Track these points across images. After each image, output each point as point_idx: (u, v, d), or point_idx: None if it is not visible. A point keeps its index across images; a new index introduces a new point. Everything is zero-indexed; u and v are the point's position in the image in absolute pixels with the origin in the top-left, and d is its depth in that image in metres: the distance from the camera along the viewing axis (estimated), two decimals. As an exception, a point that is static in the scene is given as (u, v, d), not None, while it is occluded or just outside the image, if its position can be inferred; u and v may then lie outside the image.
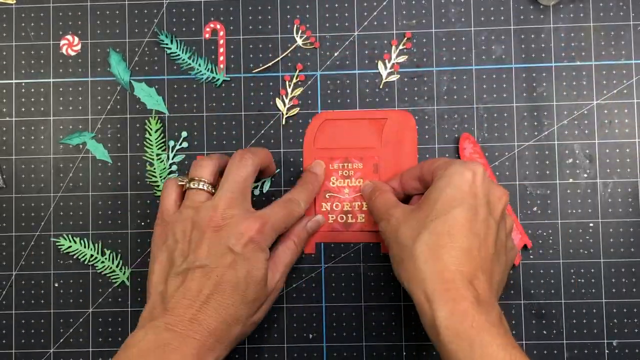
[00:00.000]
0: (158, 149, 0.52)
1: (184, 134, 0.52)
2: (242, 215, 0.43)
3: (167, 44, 0.53)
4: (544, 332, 0.50)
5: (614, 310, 0.50)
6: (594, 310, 0.50)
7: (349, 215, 0.51)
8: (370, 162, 0.51)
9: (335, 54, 0.52)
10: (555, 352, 0.50)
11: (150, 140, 0.52)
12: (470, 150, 0.51)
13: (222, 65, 0.53)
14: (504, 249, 0.43)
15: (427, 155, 0.51)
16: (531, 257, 0.51)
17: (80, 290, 0.52)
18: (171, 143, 0.52)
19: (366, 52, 0.52)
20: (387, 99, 0.52)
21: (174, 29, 0.53)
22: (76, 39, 0.53)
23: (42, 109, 0.53)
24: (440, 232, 0.40)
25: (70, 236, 0.52)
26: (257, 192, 0.52)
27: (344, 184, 0.51)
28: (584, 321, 0.50)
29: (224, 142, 0.52)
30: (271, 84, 0.52)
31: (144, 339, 0.40)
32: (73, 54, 0.53)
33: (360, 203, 0.51)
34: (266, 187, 0.52)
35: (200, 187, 0.45)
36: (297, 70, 0.52)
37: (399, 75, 0.52)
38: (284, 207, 0.46)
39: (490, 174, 0.51)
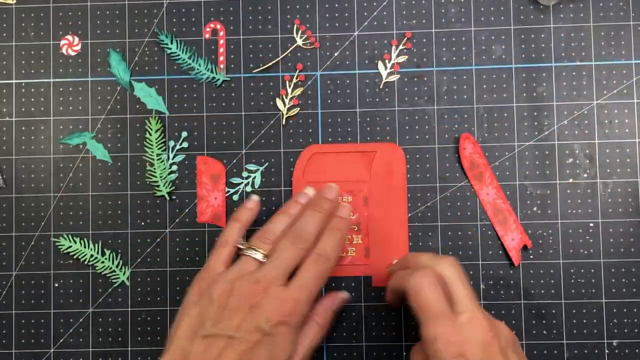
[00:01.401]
0: (158, 149, 0.52)
1: (184, 134, 0.52)
2: (278, 293, 0.43)
3: (167, 44, 0.53)
4: (544, 332, 0.50)
5: (614, 310, 0.50)
6: (594, 310, 0.50)
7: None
8: (360, 195, 0.51)
9: (335, 54, 0.52)
10: (555, 352, 0.50)
11: (150, 140, 0.52)
12: (470, 150, 0.51)
13: (222, 65, 0.53)
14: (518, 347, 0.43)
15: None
16: (531, 257, 0.51)
17: (80, 290, 0.52)
18: (171, 143, 0.52)
19: (366, 52, 0.52)
20: (387, 99, 0.52)
21: (174, 29, 0.53)
22: (76, 39, 0.53)
23: (42, 109, 0.53)
24: None
25: (70, 236, 0.52)
26: (248, 188, 0.52)
27: None
28: (584, 321, 0.50)
29: (224, 142, 0.52)
30: (271, 84, 0.52)
31: None
32: (73, 54, 0.53)
33: (350, 236, 0.51)
34: (257, 183, 0.52)
35: (256, 256, 0.45)
36: (297, 70, 0.52)
37: (399, 75, 0.52)
38: (315, 270, 0.44)
39: (491, 174, 0.51)
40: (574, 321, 0.50)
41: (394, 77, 0.52)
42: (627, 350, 0.50)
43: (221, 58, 0.53)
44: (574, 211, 0.51)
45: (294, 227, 0.46)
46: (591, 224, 0.51)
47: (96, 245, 0.52)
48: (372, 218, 0.51)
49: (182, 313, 0.44)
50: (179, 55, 0.53)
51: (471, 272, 0.51)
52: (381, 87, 0.52)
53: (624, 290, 0.50)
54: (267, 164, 0.52)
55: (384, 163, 0.51)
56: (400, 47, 0.52)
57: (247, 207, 0.49)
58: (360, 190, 0.51)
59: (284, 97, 0.52)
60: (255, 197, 0.50)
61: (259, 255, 0.45)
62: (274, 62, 0.52)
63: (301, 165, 0.51)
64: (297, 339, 0.44)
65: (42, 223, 0.52)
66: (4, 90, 0.53)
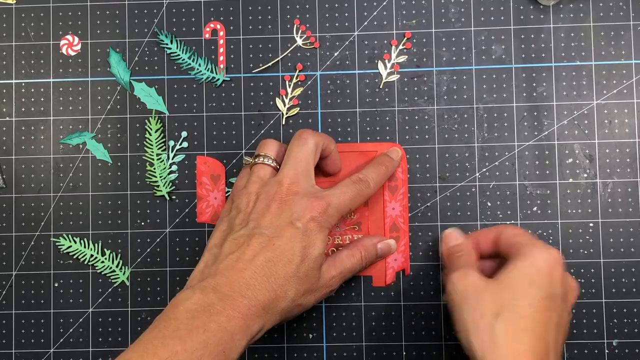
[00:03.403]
0: (158, 149, 0.52)
1: (184, 134, 0.52)
2: (306, 193, 0.43)
3: (167, 44, 0.53)
4: (544, 332, 0.50)
5: (614, 310, 0.50)
6: (594, 310, 0.50)
7: (340, 248, 0.49)
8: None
9: (335, 54, 0.52)
10: (555, 352, 0.50)
11: (150, 140, 0.52)
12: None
13: (222, 65, 0.53)
14: (566, 333, 0.44)
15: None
16: (531, 257, 0.51)
17: (80, 290, 0.52)
18: (171, 143, 0.52)
19: (366, 52, 0.52)
20: (387, 99, 0.52)
21: (174, 29, 0.53)
22: (76, 38, 0.53)
23: (42, 109, 0.53)
24: (523, 315, 0.41)
25: (70, 236, 0.52)
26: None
27: None
28: (584, 321, 0.50)
29: (224, 142, 0.52)
30: (271, 84, 0.52)
31: (190, 299, 0.39)
32: (73, 54, 0.53)
33: (350, 236, 0.51)
34: None
35: (265, 162, 0.46)
36: (297, 70, 0.52)
37: (399, 75, 0.52)
38: (352, 188, 0.45)
39: (405, 193, 0.51)
40: (574, 321, 0.50)
41: (394, 77, 0.52)
42: (627, 350, 0.50)
43: (221, 58, 0.53)
44: (574, 211, 0.51)
45: (357, 173, 0.47)
46: (591, 224, 0.51)
47: (96, 245, 0.52)
48: (373, 218, 0.51)
49: (214, 230, 0.45)
50: (179, 55, 0.53)
51: (471, 272, 0.51)
52: (381, 87, 0.52)
53: (624, 290, 0.50)
54: (267, 164, 0.52)
55: None
56: (400, 47, 0.52)
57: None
58: None
59: (284, 97, 0.52)
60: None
61: (267, 160, 0.46)
62: (274, 62, 0.52)
63: None
64: (327, 241, 0.44)
65: (42, 223, 0.52)
66: (4, 90, 0.53)
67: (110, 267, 0.52)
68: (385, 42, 0.52)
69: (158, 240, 0.52)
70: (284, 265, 0.41)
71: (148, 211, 0.52)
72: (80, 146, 0.53)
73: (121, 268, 0.52)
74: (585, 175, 0.51)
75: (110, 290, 0.52)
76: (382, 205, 0.50)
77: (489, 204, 0.51)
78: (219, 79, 0.52)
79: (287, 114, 0.52)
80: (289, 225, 0.42)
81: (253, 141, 0.52)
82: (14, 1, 0.54)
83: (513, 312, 0.41)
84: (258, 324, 0.40)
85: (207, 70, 0.52)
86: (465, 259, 0.46)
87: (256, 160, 0.46)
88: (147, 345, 0.37)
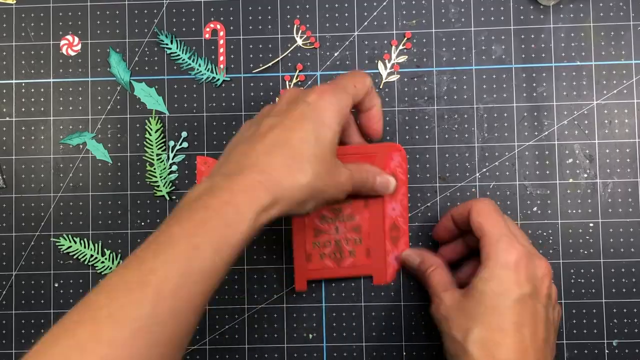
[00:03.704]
0: (158, 149, 0.52)
1: (184, 134, 0.52)
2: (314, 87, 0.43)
3: (167, 44, 0.53)
4: (544, 332, 0.50)
5: (614, 310, 0.50)
6: (594, 310, 0.50)
7: (340, 251, 0.50)
8: (361, 197, 0.49)
9: (335, 54, 0.52)
10: (556, 352, 0.50)
11: (150, 140, 0.52)
12: (396, 163, 0.50)
13: (222, 65, 0.53)
14: (553, 326, 0.44)
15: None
16: (531, 257, 0.51)
17: (80, 290, 0.52)
18: (171, 143, 0.52)
19: (366, 52, 0.52)
20: (387, 99, 0.52)
21: (174, 29, 0.53)
22: (76, 39, 0.53)
23: (42, 109, 0.53)
24: (492, 327, 0.40)
25: (70, 236, 0.52)
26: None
27: (334, 221, 0.49)
28: (584, 321, 0.50)
29: (224, 142, 0.52)
30: (271, 84, 0.52)
31: (197, 188, 0.38)
32: (73, 54, 0.53)
33: (350, 238, 0.50)
34: None
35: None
36: (297, 70, 0.52)
37: (399, 75, 0.52)
38: (351, 82, 0.44)
39: (405, 193, 0.50)
40: (574, 321, 0.50)
41: (394, 77, 0.52)
42: (627, 350, 0.50)
43: (221, 58, 0.53)
44: (574, 211, 0.51)
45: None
46: (591, 224, 0.51)
47: (96, 245, 0.52)
48: (373, 218, 0.50)
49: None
50: (179, 55, 0.53)
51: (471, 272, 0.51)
52: (381, 87, 0.52)
53: (624, 290, 0.50)
54: (267, 164, 0.52)
55: (384, 164, 0.50)
56: (400, 47, 0.52)
57: None
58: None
59: (284, 97, 0.52)
60: None
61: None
62: (274, 62, 0.52)
63: None
64: (339, 124, 0.42)
65: (42, 223, 0.52)
66: (4, 90, 0.53)
67: (110, 267, 0.52)
68: (385, 42, 0.52)
69: (158, 240, 0.52)
70: (297, 143, 0.39)
71: (148, 211, 0.52)
72: (81, 146, 0.53)
73: (121, 268, 0.52)
74: (585, 175, 0.51)
75: (110, 290, 0.52)
76: (382, 206, 0.50)
77: (489, 204, 0.51)
78: (219, 79, 0.52)
79: (287, 114, 0.52)
80: (301, 103, 0.41)
81: (253, 141, 0.52)
82: (14, 1, 0.54)
83: (480, 327, 0.40)
84: (270, 196, 0.37)
85: (207, 71, 0.52)
86: (438, 273, 0.46)
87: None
88: (150, 238, 0.36)
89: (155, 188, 0.52)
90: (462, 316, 0.42)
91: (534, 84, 0.51)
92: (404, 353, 0.51)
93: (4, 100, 0.53)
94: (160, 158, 0.52)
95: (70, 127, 0.53)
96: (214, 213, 0.36)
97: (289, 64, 0.52)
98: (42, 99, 0.53)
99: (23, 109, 0.53)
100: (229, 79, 0.53)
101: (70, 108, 0.53)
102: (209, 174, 0.42)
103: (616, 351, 0.50)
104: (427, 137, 0.52)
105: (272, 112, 0.42)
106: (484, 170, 0.51)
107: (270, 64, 0.52)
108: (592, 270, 0.50)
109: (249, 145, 0.39)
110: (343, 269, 0.50)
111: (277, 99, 0.46)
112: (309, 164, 0.39)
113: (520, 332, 0.40)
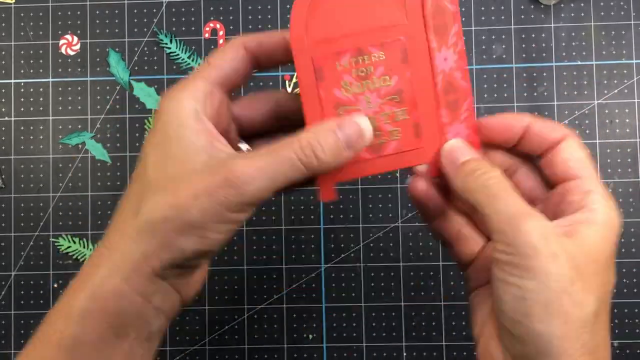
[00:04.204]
0: (157, 149, 0.52)
1: (184, 133, 0.52)
2: None
3: (166, 44, 0.52)
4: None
5: (614, 310, 0.50)
6: (595, 311, 0.50)
7: (376, 133, 0.34)
8: (396, 48, 0.33)
9: (335, 54, 0.52)
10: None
11: (150, 140, 0.52)
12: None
13: (221, 65, 0.52)
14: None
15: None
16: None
17: (80, 291, 0.52)
18: (171, 143, 0.52)
19: (366, 51, 0.52)
20: (387, 99, 0.52)
21: (174, 29, 0.53)
22: (75, 38, 0.53)
23: (41, 109, 0.53)
24: (606, 300, 0.29)
25: (69, 236, 0.52)
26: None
27: (362, 89, 0.33)
28: (585, 321, 0.50)
29: (224, 142, 0.52)
30: (271, 84, 0.52)
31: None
32: (72, 53, 0.53)
33: (389, 112, 0.34)
34: None
35: None
36: (297, 70, 0.52)
37: (399, 75, 0.52)
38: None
39: (460, 32, 0.34)
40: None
41: (394, 77, 0.51)
42: (627, 351, 0.50)
43: (221, 58, 0.53)
44: (574, 211, 0.51)
45: None
46: (592, 224, 0.51)
47: (96, 245, 0.52)
48: (418, 79, 0.33)
49: None
50: (178, 54, 0.52)
51: (471, 272, 0.51)
52: (381, 86, 0.52)
53: (624, 290, 0.50)
54: (267, 163, 0.52)
55: None
56: (401, 46, 0.52)
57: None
58: (395, 40, 0.33)
59: (283, 96, 0.52)
60: None
61: None
62: (273, 61, 0.52)
63: (300, 16, 0.34)
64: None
65: (41, 223, 0.52)
66: (3, 90, 0.53)
67: (110, 267, 0.52)
68: (386, 41, 0.52)
69: (158, 240, 0.52)
70: (152, 148, 0.31)
71: (148, 211, 0.52)
72: (80, 146, 0.53)
73: (121, 268, 0.52)
74: (586, 175, 0.51)
75: (109, 290, 0.52)
76: (427, 57, 0.33)
77: (490, 204, 0.51)
78: (218, 79, 0.52)
79: (287, 113, 0.52)
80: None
81: (253, 141, 0.52)
82: (13, 1, 0.53)
83: (601, 300, 0.28)
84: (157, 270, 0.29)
85: (207, 70, 0.52)
86: (500, 186, 0.30)
87: None
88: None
89: (155, 188, 0.52)
90: (571, 257, 0.28)
91: (535, 84, 0.51)
92: (404, 353, 0.51)
93: (3, 100, 0.53)
94: (160, 158, 0.52)
95: (70, 126, 0.53)
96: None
97: (289, 64, 0.52)
98: (41, 99, 0.53)
99: (22, 109, 0.53)
100: (228, 78, 0.52)
101: (70, 108, 0.53)
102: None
103: (617, 351, 0.50)
104: None
105: None
106: (485, 170, 0.51)
107: (270, 64, 0.52)
108: (593, 271, 0.50)
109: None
110: (385, 159, 0.34)
111: None
112: (179, 178, 0.29)
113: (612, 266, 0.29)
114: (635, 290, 0.50)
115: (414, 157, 0.34)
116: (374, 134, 0.33)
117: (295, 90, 0.52)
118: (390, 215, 0.51)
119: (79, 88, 0.53)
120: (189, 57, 0.52)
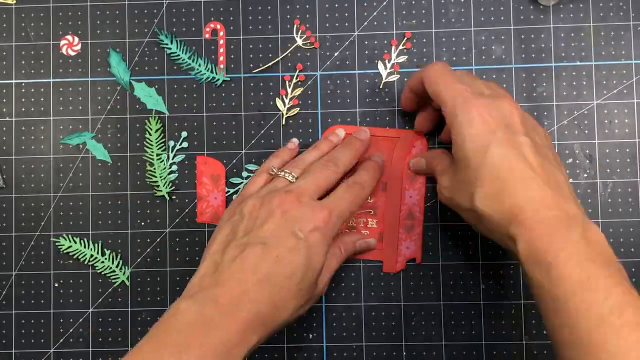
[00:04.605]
0: (158, 149, 0.52)
1: (184, 134, 0.52)
2: (310, 203, 0.43)
3: (167, 44, 0.53)
4: (545, 331, 0.50)
5: (614, 310, 0.50)
6: (594, 310, 0.50)
7: (353, 231, 0.51)
8: (379, 180, 0.50)
9: (335, 54, 0.52)
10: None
11: (150, 140, 0.52)
12: (418, 151, 0.51)
13: (222, 65, 0.53)
14: (545, 147, 0.42)
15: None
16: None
17: (80, 290, 0.52)
18: (171, 143, 0.52)
19: (366, 52, 0.52)
20: (387, 99, 0.52)
21: (174, 29, 0.53)
22: (76, 39, 0.53)
23: (42, 109, 0.53)
24: (489, 182, 0.39)
25: (70, 236, 0.52)
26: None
27: None
28: (584, 321, 0.50)
29: (224, 142, 0.52)
30: (271, 84, 0.52)
31: (188, 310, 0.39)
32: (73, 54, 0.53)
33: (365, 220, 0.51)
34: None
35: (287, 177, 0.45)
36: (297, 70, 0.52)
37: (399, 75, 0.52)
38: (349, 192, 0.45)
39: (424, 181, 0.50)
40: (574, 321, 0.50)
41: (394, 77, 0.52)
42: (627, 350, 0.50)
43: (221, 58, 0.53)
44: (574, 211, 0.51)
45: (326, 155, 0.47)
46: (591, 224, 0.51)
47: (96, 245, 0.52)
48: (390, 204, 0.51)
49: (215, 234, 0.44)
50: (179, 55, 0.53)
51: (471, 272, 0.51)
52: (381, 87, 0.52)
53: (624, 290, 0.50)
54: (267, 164, 0.52)
55: (406, 150, 0.51)
56: (400, 47, 0.52)
57: (288, 147, 0.50)
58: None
59: (284, 97, 0.52)
60: (295, 140, 0.51)
61: (290, 177, 0.45)
62: (274, 62, 0.52)
63: None
64: (328, 252, 0.43)
65: (42, 223, 0.52)
66: (4, 90, 0.53)
67: (110, 267, 0.52)
68: (385, 42, 0.52)
69: (158, 240, 0.52)
70: (286, 279, 0.41)
71: (148, 211, 0.52)
72: (80, 146, 0.53)
73: (121, 268, 0.52)
74: (585, 175, 0.51)
75: (110, 290, 0.52)
76: (400, 192, 0.50)
77: (489, 204, 0.51)
78: (219, 79, 0.52)
79: (287, 114, 0.52)
80: (291, 235, 0.41)
81: (253, 141, 0.52)
82: (14, 1, 0.54)
83: (480, 188, 0.40)
84: (257, 336, 0.40)
85: (207, 70, 0.52)
86: (437, 162, 0.47)
87: (279, 173, 0.46)
88: (145, 357, 0.37)
89: (155, 188, 0.52)
90: (462, 188, 0.42)
91: (534, 84, 0.51)
92: (404, 353, 0.51)
93: (4, 100, 0.53)
94: (160, 158, 0.52)
95: (70, 127, 0.53)
96: (209, 351, 0.37)
97: (289, 64, 0.52)
98: (42, 99, 0.53)
99: (23, 109, 0.53)
100: (229, 79, 0.53)
101: (70, 108, 0.53)
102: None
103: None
104: (427, 137, 0.52)
105: (256, 224, 0.43)
106: (484, 170, 0.51)
107: (270, 64, 0.52)
108: (592, 270, 0.50)
109: (238, 280, 0.40)
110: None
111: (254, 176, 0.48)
112: (294, 300, 0.41)
113: (515, 169, 0.39)
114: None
115: (376, 253, 0.51)
116: (352, 231, 0.51)
117: (296, 90, 0.52)
118: (390, 215, 0.51)
119: (80, 88, 0.53)
120: (189, 58, 0.52)
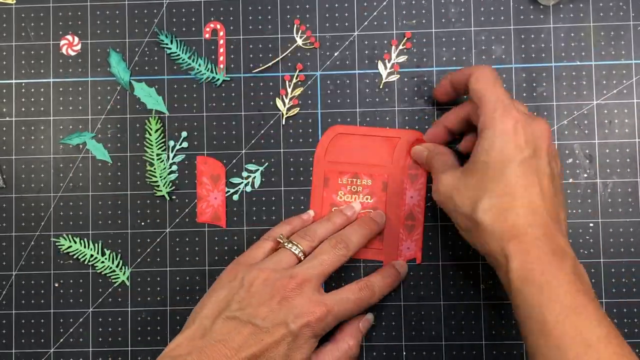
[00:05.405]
0: (158, 149, 0.52)
1: (184, 134, 0.52)
2: (311, 295, 0.43)
3: (167, 44, 0.53)
4: (544, 332, 0.50)
5: (614, 310, 0.50)
6: (594, 310, 0.50)
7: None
8: (380, 180, 0.51)
9: (335, 54, 0.52)
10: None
11: (150, 140, 0.52)
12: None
13: (222, 65, 0.53)
14: (558, 180, 0.43)
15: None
16: (531, 257, 0.51)
17: (80, 290, 0.52)
18: (171, 143, 0.52)
19: (366, 52, 0.52)
20: (387, 99, 0.52)
21: (174, 29, 0.53)
22: (76, 38, 0.53)
23: (42, 109, 0.53)
24: (499, 194, 0.40)
25: (70, 236, 0.52)
26: (248, 188, 0.52)
27: (351, 199, 0.51)
28: (584, 321, 0.50)
29: (224, 142, 0.52)
30: (271, 84, 0.52)
31: None
32: (73, 54, 0.53)
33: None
34: (257, 183, 0.52)
35: (294, 251, 0.46)
36: (297, 70, 0.52)
37: (399, 75, 0.52)
38: (357, 295, 0.45)
39: (424, 182, 0.51)
40: (574, 321, 0.50)
41: (394, 77, 0.52)
42: (627, 350, 0.50)
43: (221, 58, 0.53)
44: (574, 211, 0.51)
45: (338, 233, 0.47)
46: (591, 224, 0.51)
47: (96, 245, 0.52)
48: (390, 204, 0.51)
49: (210, 293, 0.45)
50: (179, 55, 0.53)
51: (471, 272, 0.51)
52: (381, 87, 0.52)
53: (624, 290, 0.50)
54: (267, 164, 0.52)
55: (406, 150, 0.51)
56: (400, 47, 0.52)
57: (301, 217, 0.50)
58: (380, 175, 0.51)
59: (284, 97, 0.52)
60: (311, 212, 0.51)
61: (297, 250, 0.46)
62: (274, 62, 0.52)
63: (324, 144, 0.52)
64: (314, 347, 0.44)
65: (42, 223, 0.52)
66: (4, 90, 0.53)
67: (110, 267, 0.52)
68: (385, 42, 0.52)
69: (158, 240, 0.52)
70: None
71: (148, 211, 0.52)
72: (80, 146, 0.53)
73: (121, 268, 0.52)
74: (585, 175, 0.51)
75: (110, 290, 0.52)
76: (401, 192, 0.51)
77: (489, 204, 0.51)
78: (219, 79, 0.52)
79: (287, 114, 0.52)
80: (283, 324, 0.42)
81: (253, 141, 0.52)
82: (14, 1, 0.54)
83: (489, 196, 0.41)
84: None
85: (207, 70, 0.52)
86: (437, 159, 0.47)
87: (287, 245, 0.46)
88: None
89: (155, 188, 0.52)
90: (467, 190, 0.42)
91: (534, 84, 0.51)
92: (404, 353, 0.51)
93: (4, 100, 0.53)
94: (160, 158, 0.52)
95: (70, 127, 0.53)
96: None
97: (289, 64, 0.52)
98: (42, 99, 0.53)
99: (23, 109, 0.53)
100: (229, 78, 0.53)
101: (70, 108, 0.53)
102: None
103: (616, 351, 0.50)
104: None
105: (252, 301, 0.43)
106: (484, 170, 0.51)
107: (270, 64, 0.52)
108: (592, 270, 0.50)
109: (222, 354, 0.41)
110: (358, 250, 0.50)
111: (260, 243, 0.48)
112: None
113: (528, 192, 0.40)
114: (634, 290, 0.50)
115: (375, 253, 0.51)
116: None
117: (296, 90, 0.52)
118: (390, 215, 0.51)
119: (80, 88, 0.53)
120: (189, 58, 0.52)
